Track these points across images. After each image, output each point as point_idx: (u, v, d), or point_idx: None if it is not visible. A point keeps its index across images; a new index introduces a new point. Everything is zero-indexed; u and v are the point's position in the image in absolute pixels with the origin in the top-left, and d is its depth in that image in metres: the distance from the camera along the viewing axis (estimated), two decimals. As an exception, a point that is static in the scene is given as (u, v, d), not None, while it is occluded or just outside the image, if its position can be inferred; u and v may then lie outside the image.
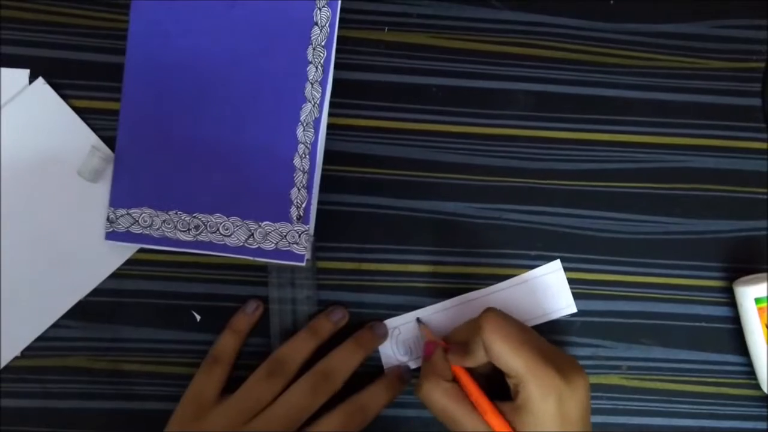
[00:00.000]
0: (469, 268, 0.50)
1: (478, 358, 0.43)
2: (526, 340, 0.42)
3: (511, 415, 0.42)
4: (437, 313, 0.49)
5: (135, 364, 0.49)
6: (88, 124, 0.49)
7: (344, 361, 0.47)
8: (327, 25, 0.48)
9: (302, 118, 0.48)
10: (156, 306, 0.49)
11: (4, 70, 0.49)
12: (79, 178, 0.48)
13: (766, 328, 0.47)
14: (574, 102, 0.50)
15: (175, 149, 0.48)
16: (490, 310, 0.43)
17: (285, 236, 0.48)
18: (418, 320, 0.49)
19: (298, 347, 0.47)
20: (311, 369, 0.46)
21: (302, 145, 0.48)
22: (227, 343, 0.48)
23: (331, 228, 0.49)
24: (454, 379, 0.44)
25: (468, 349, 0.43)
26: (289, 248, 0.48)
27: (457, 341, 0.45)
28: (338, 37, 0.49)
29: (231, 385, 0.47)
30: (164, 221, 0.48)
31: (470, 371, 0.44)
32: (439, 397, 0.43)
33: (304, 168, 0.48)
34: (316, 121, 0.48)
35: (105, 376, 0.49)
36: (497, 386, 0.44)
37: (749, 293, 0.48)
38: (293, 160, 0.48)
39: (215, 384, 0.47)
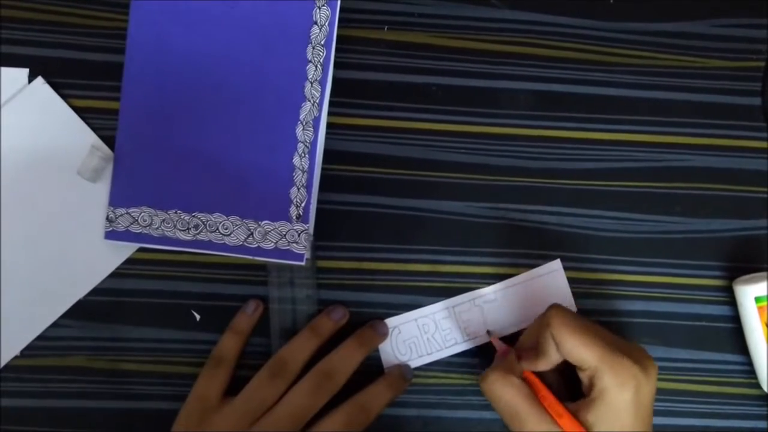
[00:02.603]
0: (469, 268, 0.50)
1: (550, 358, 0.42)
2: (595, 332, 0.42)
3: (582, 413, 0.41)
4: (439, 312, 0.49)
5: (134, 363, 0.49)
6: (88, 124, 0.49)
7: (345, 359, 0.46)
8: (326, 24, 0.48)
9: (302, 117, 0.48)
10: (155, 305, 0.49)
11: (4, 69, 0.49)
12: (79, 177, 0.48)
13: (766, 327, 0.47)
14: (575, 101, 0.50)
15: (175, 149, 0.48)
16: (554, 307, 0.43)
17: (284, 235, 0.48)
18: (488, 332, 0.48)
19: (300, 347, 0.47)
20: (313, 368, 0.46)
21: (302, 144, 0.48)
22: (229, 345, 0.48)
23: (330, 227, 0.49)
24: (523, 382, 0.43)
25: (538, 351, 0.43)
26: (288, 247, 0.48)
27: (526, 347, 0.45)
28: (338, 36, 0.49)
29: (234, 385, 0.47)
30: (163, 220, 0.48)
31: (539, 375, 0.44)
32: (507, 390, 0.42)
33: (303, 167, 0.48)
34: (316, 120, 0.48)
35: (104, 376, 0.49)
36: (564, 387, 0.44)
37: (749, 292, 0.48)
38: (293, 159, 0.48)
39: (218, 386, 0.47)
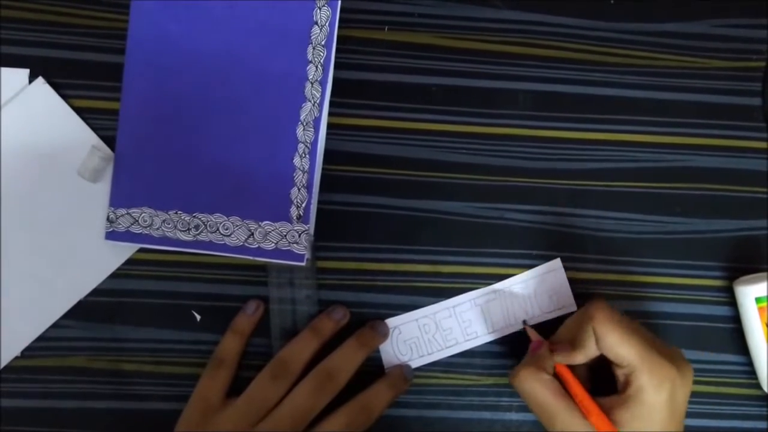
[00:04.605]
0: (469, 268, 0.50)
1: (587, 353, 0.42)
2: (636, 330, 0.42)
3: (615, 410, 0.41)
4: (440, 312, 0.49)
5: (135, 363, 0.49)
6: (88, 124, 0.49)
7: (347, 359, 0.47)
8: (327, 24, 0.48)
9: (302, 117, 0.48)
10: (156, 306, 0.49)
11: (4, 69, 0.49)
12: (79, 178, 0.48)
13: (766, 328, 0.47)
14: (575, 101, 0.50)
15: (175, 149, 0.48)
16: (598, 301, 0.43)
17: (285, 236, 0.48)
18: (524, 322, 0.49)
19: (301, 348, 0.47)
20: (314, 369, 0.46)
21: (302, 145, 0.48)
22: (230, 345, 0.48)
23: (331, 227, 0.49)
24: (555, 376, 0.43)
25: (575, 343, 0.43)
26: (289, 248, 0.48)
27: (562, 340, 0.45)
28: (338, 36, 0.49)
29: (236, 385, 0.47)
30: (164, 221, 0.48)
31: (570, 369, 0.43)
32: (537, 387, 0.42)
33: (304, 167, 0.48)
34: (316, 121, 0.48)
35: (105, 376, 0.49)
36: (591, 381, 0.44)
37: (749, 293, 0.48)
38: (293, 159, 0.48)
39: (220, 387, 0.47)
